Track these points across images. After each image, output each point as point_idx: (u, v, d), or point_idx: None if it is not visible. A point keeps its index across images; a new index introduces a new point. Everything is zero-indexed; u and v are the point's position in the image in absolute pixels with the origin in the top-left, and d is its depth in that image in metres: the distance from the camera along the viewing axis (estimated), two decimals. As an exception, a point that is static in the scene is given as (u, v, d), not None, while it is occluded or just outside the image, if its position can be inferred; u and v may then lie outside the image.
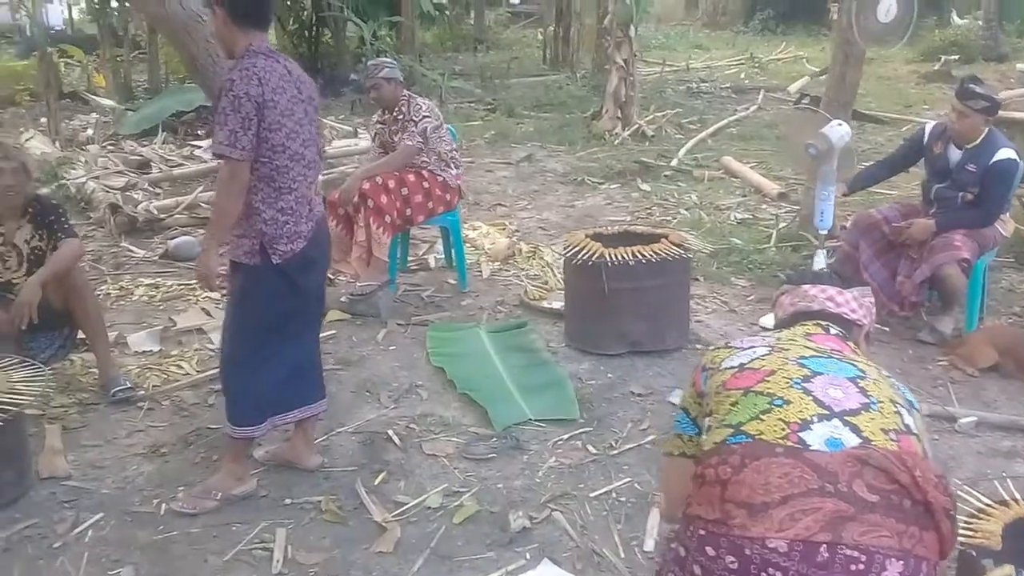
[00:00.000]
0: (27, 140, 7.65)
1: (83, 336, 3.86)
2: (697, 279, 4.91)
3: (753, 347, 1.66)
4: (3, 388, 2.98)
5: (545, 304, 4.72)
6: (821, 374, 1.53)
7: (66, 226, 3.71)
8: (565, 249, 4.17)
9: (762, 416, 1.45)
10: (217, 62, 6.21)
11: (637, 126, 9.69)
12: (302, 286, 2.92)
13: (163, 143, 8.57)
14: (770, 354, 1.60)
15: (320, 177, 3.08)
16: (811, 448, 1.40)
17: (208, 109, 9.22)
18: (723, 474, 1.38)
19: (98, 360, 3.77)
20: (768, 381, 1.52)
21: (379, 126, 5.01)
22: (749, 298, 4.85)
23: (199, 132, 9.08)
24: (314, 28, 14.10)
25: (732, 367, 1.62)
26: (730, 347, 1.72)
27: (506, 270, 5.38)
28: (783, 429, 1.42)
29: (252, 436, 2.98)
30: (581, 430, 3.43)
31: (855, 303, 1.83)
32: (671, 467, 1.79)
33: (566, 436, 3.39)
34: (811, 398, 1.47)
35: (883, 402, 1.50)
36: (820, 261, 4.32)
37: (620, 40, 9.88)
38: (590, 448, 3.31)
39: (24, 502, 2.97)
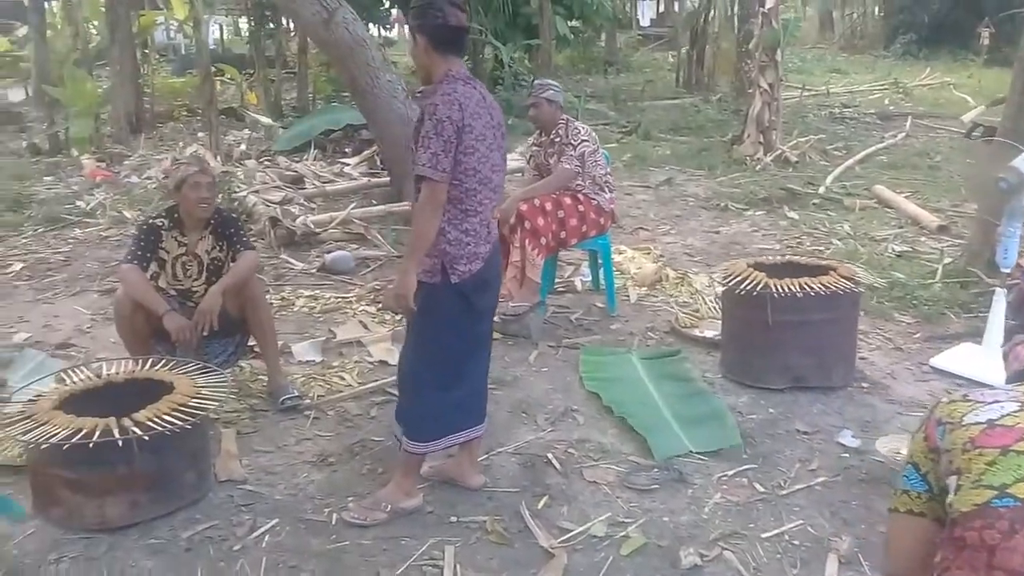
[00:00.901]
0: (190, 154, 8.09)
1: (252, 343, 4.02)
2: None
3: (998, 401, 1.54)
4: (190, 392, 3.12)
5: (697, 332, 4.62)
6: None
7: (244, 238, 3.88)
8: (726, 278, 4.07)
9: (1029, 479, 1.35)
10: (376, 83, 6.47)
11: (780, 152, 9.46)
12: (478, 307, 2.96)
13: (314, 160, 8.91)
14: (1022, 410, 1.49)
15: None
16: (1088, 515, 1.29)
17: (355, 128, 9.55)
18: (990, 539, 1.29)
19: (268, 368, 3.92)
20: None
21: (535, 148, 5.05)
22: (915, 336, 4.62)
23: (346, 150, 9.39)
24: (452, 50, 14.40)
25: (979, 423, 1.51)
26: (969, 400, 1.61)
27: (654, 295, 5.31)
28: (1055, 494, 1.32)
29: (428, 452, 3.02)
30: (746, 467, 3.33)
31: (1106, 356, 1.69)
32: (898, 525, 1.68)
33: (731, 472, 3.29)
34: None
35: None
36: (1000, 301, 4.07)
37: (765, 64, 9.69)
38: (757, 486, 3.19)
39: (204, 504, 3.09)
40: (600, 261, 5.20)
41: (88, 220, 7.27)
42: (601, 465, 3.35)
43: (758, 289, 3.86)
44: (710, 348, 4.42)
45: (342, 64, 6.50)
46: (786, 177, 8.63)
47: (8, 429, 2.95)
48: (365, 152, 8.96)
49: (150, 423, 2.89)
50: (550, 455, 3.41)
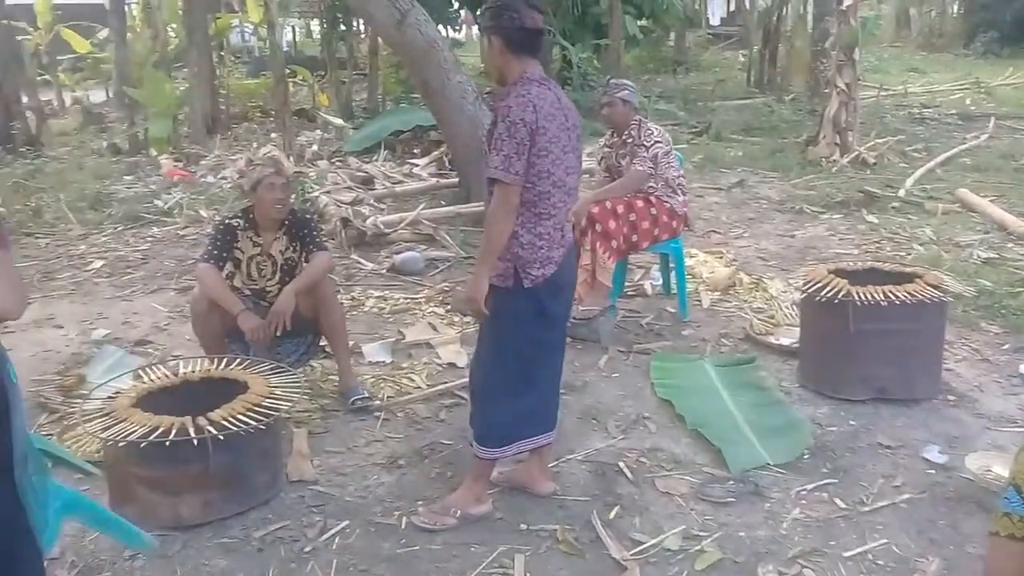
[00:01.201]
0: (266, 154, 8.18)
1: (323, 343, 4.04)
2: (943, 323, 4.52)
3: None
4: (263, 392, 3.14)
5: (773, 340, 4.49)
6: None
7: (318, 239, 3.90)
8: (806, 284, 3.94)
9: None
10: (447, 84, 6.48)
11: (857, 153, 9.18)
12: (551, 312, 2.91)
13: (384, 160, 8.98)
14: None
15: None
16: None
17: (424, 129, 9.60)
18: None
19: (339, 368, 3.93)
20: None
21: (606, 149, 4.97)
22: (1004, 347, 4.41)
23: (415, 151, 9.44)
24: (520, 50, 14.38)
25: None
26: None
27: (727, 300, 5.19)
28: None
29: (499, 458, 2.99)
30: (826, 481, 3.21)
31: None
32: (998, 549, 1.59)
33: (810, 486, 3.17)
34: None
35: None
36: (1099, 312, 3.86)
37: (843, 63, 9.42)
38: (838, 502, 3.08)
39: (276, 503, 3.11)
40: (672, 264, 5.10)
41: (166, 219, 7.45)
42: (674, 475, 3.27)
43: (840, 296, 3.73)
44: (786, 356, 4.29)
45: (414, 65, 6.52)
46: (864, 179, 8.37)
47: (87, 425, 3.01)
48: (434, 153, 9.00)
49: (225, 423, 2.92)
50: (621, 464, 3.34)
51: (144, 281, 5.84)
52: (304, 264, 3.85)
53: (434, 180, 8.03)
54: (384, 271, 5.84)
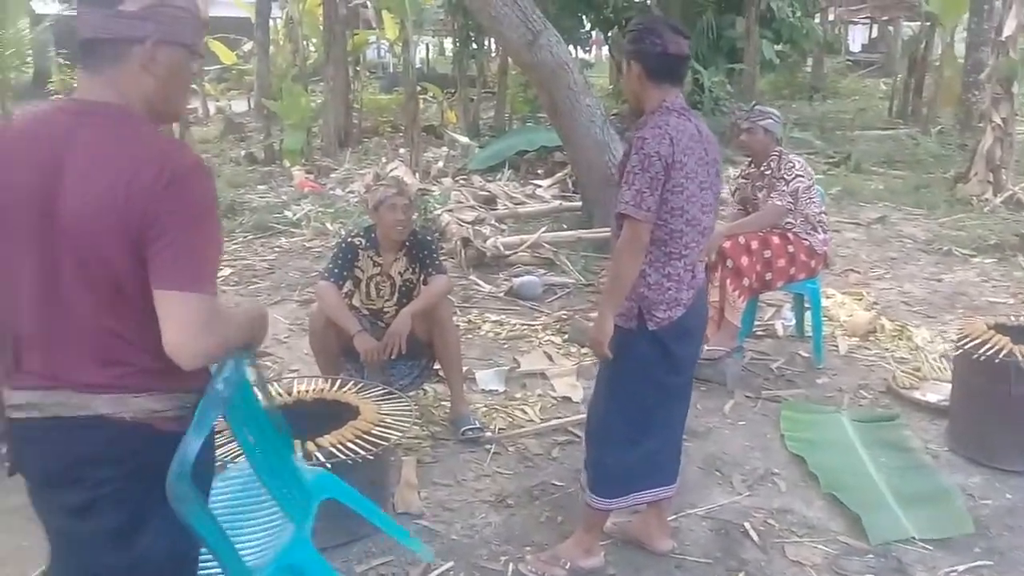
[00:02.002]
0: (392, 171, 8.30)
1: (437, 367, 3.95)
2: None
3: None
4: (374, 420, 3.05)
5: (918, 395, 4.12)
6: None
7: (437, 262, 3.81)
8: (961, 339, 3.58)
9: None
10: (576, 107, 6.34)
11: (1011, 193, 8.52)
12: (677, 356, 2.69)
13: (507, 180, 8.91)
14: None
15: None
16: None
17: (549, 149, 9.49)
18: None
19: (451, 394, 3.83)
20: None
21: (741, 180, 4.71)
22: None
23: (539, 172, 9.34)
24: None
25: None
26: None
27: (866, 347, 4.82)
28: None
29: (612, 509, 2.79)
30: (980, 562, 2.87)
31: None
32: None
33: (961, 567, 2.84)
34: None
35: None
36: None
37: (999, 96, 8.78)
38: (994, 588, 2.74)
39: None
40: (807, 305, 4.78)
41: (294, 230, 7.58)
42: (806, 543, 2.99)
43: (1000, 356, 3.36)
44: (934, 415, 3.92)
45: (543, 86, 6.41)
46: (1019, 222, 7.74)
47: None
48: (558, 174, 8.87)
49: (334, 449, 2.84)
50: (747, 524, 3.08)
51: (268, 291, 5.93)
52: (422, 286, 3.77)
53: (557, 202, 7.89)
54: (502, 294, 5.73)
